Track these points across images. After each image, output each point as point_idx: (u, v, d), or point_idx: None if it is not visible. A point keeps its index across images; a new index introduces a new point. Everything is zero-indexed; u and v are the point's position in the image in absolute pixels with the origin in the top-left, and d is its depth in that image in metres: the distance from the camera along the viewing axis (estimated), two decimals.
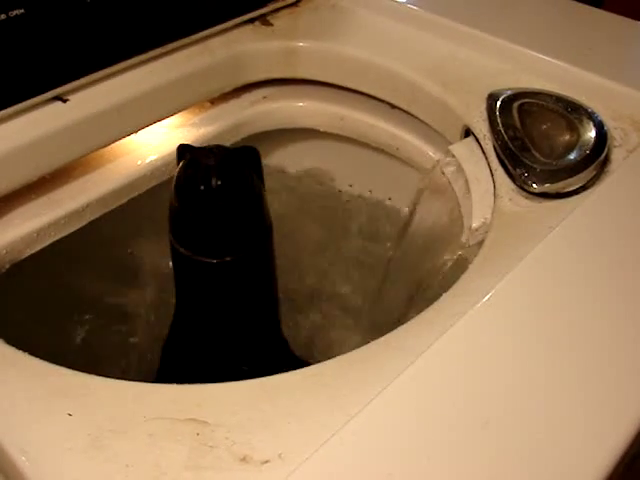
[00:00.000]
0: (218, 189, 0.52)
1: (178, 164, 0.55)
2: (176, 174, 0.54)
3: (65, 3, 0.55)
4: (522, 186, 0.52)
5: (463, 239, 0.54)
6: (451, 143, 0.61)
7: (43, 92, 0.57)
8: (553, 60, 0.64)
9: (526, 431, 0.36)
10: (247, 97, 0.72)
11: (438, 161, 0.61)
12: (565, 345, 0.41)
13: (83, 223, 0.60)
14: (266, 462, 0.34)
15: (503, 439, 0.36)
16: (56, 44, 0.56)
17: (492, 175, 0.55)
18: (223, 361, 0.63)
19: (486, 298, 0.43)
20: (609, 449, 0.36)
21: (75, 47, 0.58)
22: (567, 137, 0.56)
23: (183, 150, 0.55)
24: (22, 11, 0.53)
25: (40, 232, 0.58)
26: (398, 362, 0.39)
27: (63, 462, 0.35)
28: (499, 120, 0.57)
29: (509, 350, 0.41)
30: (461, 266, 0.48)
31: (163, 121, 0.66)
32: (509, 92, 0.60)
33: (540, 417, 0.37)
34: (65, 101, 0.58)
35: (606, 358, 0.41)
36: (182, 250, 0.55)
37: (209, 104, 0.70)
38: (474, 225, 0.53)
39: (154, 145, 0.66)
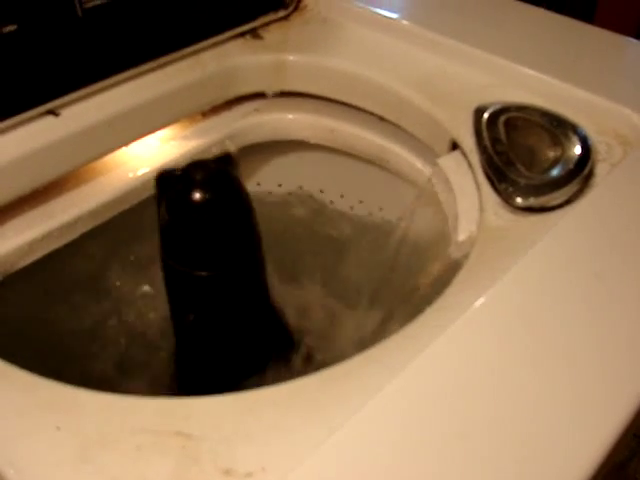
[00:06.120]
0: (208, 203, 0.52)
1: (158, 190, 0.55)
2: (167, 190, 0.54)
3: (57, 18, 0.56)
4: (507, 200, 0.53)
5: (449, 252, 0.55)
6: (439, 156, 0.62)
7: (35, 106, 0.58)
8: (540, 75, 0.64)
9: (507, 445, 0.37)
10: (238, 110, 0.73)
11: (431, 177, 0.61)
12: (547, 359, 0.41)
13: (75, 235, 0.61)
14: (249, 475, 0.35)
15: (482, 452, 0.36)
16: (48, 59, 0.57)
17: (478, 189, 0.56)
18: (228, 368, 0.64)
19: (469, 312, 0.44)
20: (590, 462, 0.36)
21: (67, 61, 0.58)
22: (552, 151, 0.56)
23: (163, 176, 0.55)
24: (15, 27, 0.53)
25: (33, 244, 0.58)
26: (381, 376, 0.39)
27: (51, 475, 0.35)
28: (485, 134, 0.58)
29: (491, 364, 0.41)
30: (446, 279, 0.48)
31: (155, 134, 0.67)
32: (496, 106, 0.61)
33: (521, 431, 0.37)
34: (57, 115, 0.59)
35: (588, 372, 0.41)
36: (173, 264, 0.56)
37: (200, 117, 0.71)
38: (460, 238, 0.54)
39: (146, 158, 0.66)
